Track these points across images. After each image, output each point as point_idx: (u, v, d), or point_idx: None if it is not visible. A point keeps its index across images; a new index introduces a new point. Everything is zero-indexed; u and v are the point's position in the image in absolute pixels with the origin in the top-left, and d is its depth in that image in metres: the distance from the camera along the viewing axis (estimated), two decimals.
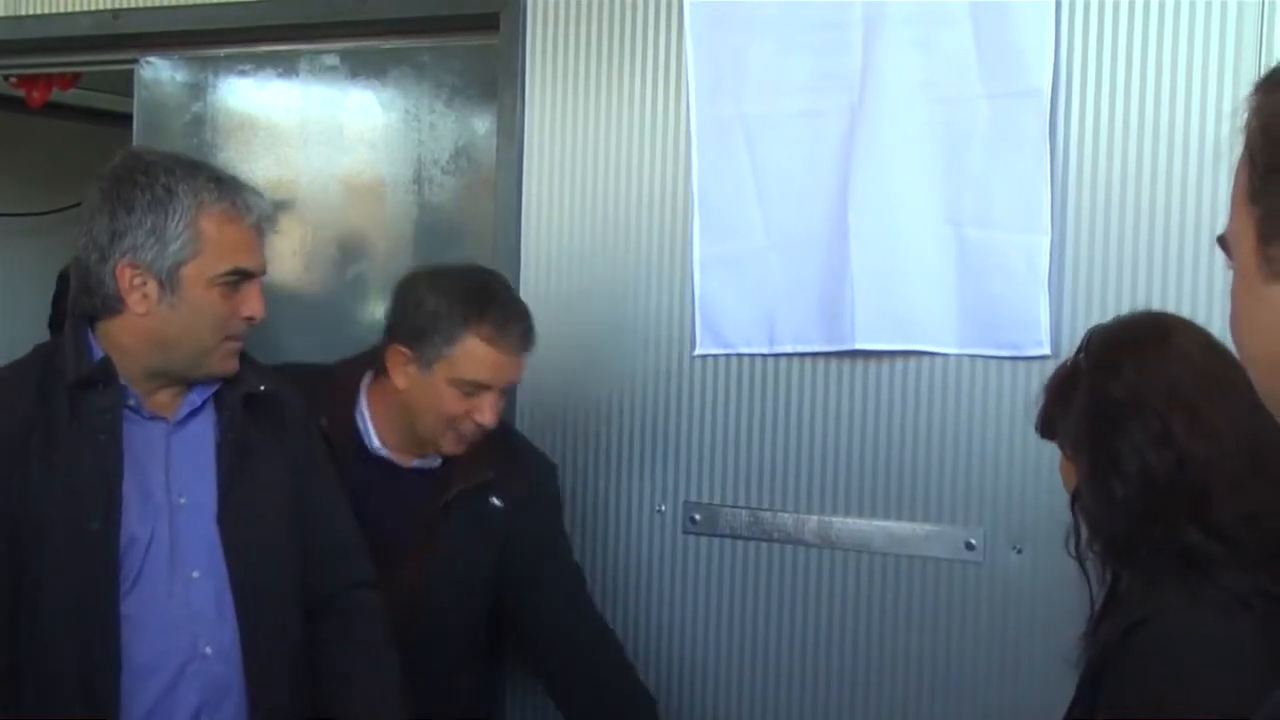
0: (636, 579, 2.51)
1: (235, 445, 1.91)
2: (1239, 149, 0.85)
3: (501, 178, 2.57)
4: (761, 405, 2.40)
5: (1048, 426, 1.63)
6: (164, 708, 1.83)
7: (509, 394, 2.49)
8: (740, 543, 2.42)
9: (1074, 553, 1.54)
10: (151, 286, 1.83)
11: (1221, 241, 0.87)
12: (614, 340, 2.49)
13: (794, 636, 2.38)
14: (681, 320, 2.44)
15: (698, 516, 2.46)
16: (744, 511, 2.42)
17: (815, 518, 2.38)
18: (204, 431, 1.92)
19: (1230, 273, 0.87)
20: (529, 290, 2.54)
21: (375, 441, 2.21)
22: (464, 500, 2.21)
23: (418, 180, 2.78)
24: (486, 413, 2.12)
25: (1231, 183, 0.87)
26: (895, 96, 2.28)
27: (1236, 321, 0.85)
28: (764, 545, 2.41)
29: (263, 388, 1.96)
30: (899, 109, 2.28)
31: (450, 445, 2.17)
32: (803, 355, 2.36)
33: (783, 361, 2.38)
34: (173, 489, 1.86)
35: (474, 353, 2.10)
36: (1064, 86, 2.18)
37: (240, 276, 1.87)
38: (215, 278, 1.84)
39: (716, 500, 2.44)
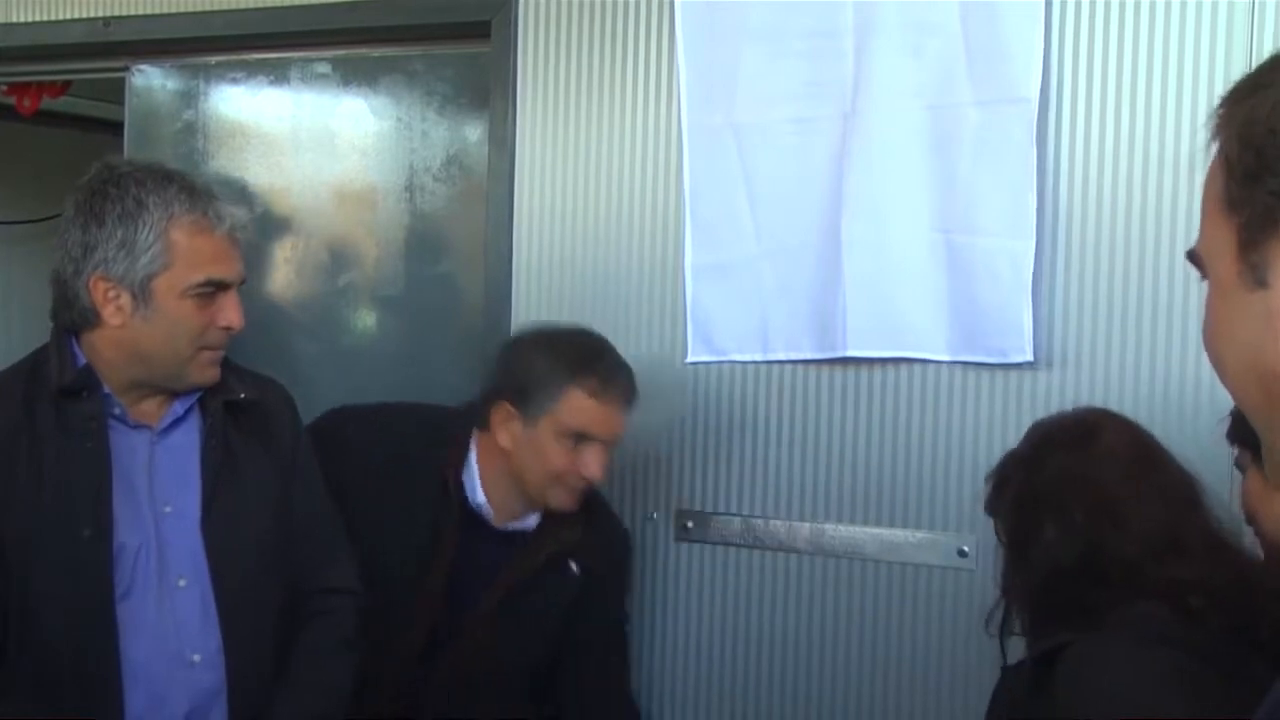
0: (635, 582, 2.49)
1: (219, 452, 1.91)
2: (1209, 160, 0.85)
3: (493, 186, 2.57)
4: (754, 412, 2.40)
5: (990, 511, 1.73)
6: (154, 717, 1.83)
7: None
8: (732, 550, 2.42)
9: (994, 632, 1.65)
10: (125, 299, 1.83)
11: (1192, 256, 0.86)
12: None
13: (787, 644, 2.38)
14: (673, 327, 2.43)
15: (690, 524, 2.45)
16: (736, 519, 2.41)
17: (808, 525, 2.38)
18: (188, 439, 1.92)
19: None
20: (520, 298, 2.54)
21: (481, 497, 2.20)
22: (548, 565, 2.21)
23: (409, 188, 2.77)
24: (593, 466, 2.12)
25: None
26: (886, 104, 2.28)
27: (1214, 335, 0.84)
28: (756, 552, 2.41)
29: (244, 395, 1.96)
30: (890, 116, 2.28)
31: (558, 500, 2.17)
32: (795, 362, 2.36)
33: (775, 369, 2.37)
34: (157, 497, 1.87)
35: (579, 405, 2.11)
36: (1053, 94, 2.18)
37: (214, 287, 1.86)
38: (188, 289, 1.84)
39: (709, 508, 2.44)
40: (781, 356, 2.37)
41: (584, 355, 2.14)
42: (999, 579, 1.66)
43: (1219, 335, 0.83)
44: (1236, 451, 1.70)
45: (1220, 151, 0.83)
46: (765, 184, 2.38)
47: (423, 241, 2.77)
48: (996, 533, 1.70)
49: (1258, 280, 0.79)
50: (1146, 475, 1.59)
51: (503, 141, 2.55)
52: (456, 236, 2.74)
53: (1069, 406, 1.92)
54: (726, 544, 2.42)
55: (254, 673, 1.89)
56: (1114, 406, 1.99)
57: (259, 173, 2.86)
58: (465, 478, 2.20)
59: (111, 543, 1.79)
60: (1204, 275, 0.85)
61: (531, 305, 2.55)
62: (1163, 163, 2.13)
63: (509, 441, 2.13)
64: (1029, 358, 2.17)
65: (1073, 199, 2.18)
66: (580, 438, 2.11)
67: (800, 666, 2.36)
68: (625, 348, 2.41)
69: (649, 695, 2.45)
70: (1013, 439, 1.85)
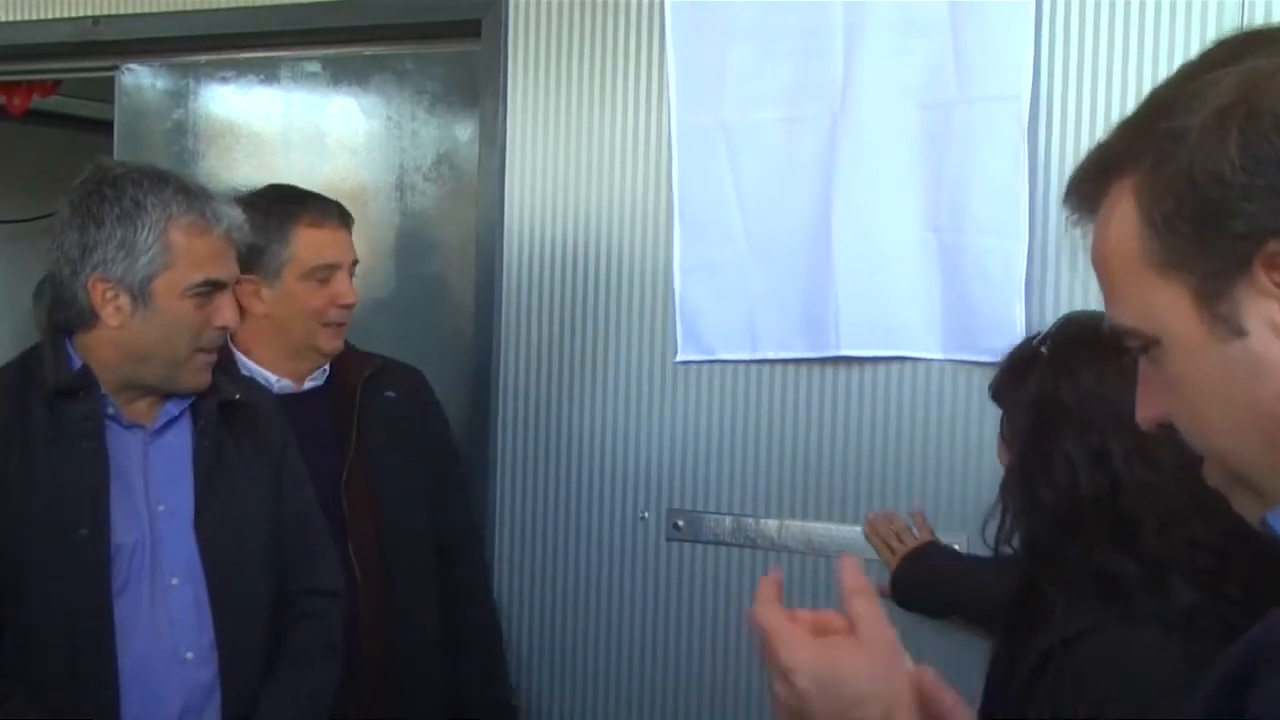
0: (619, 587, 2.49)
1: (211, 453, 1.91)
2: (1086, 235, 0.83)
3: (483, 185, 2.57)
4: (744, 412, 2.39)
5: (997, 395, 1.60)
6: (149, 714, 1.83)
7: (487, 397, 2.53)
8: (724, 549, 2.41)
9: (991, 542, 1.51)
10: (124, 299, 1.84)
11: (1131, 336, 0.83)
12: (596, 347, 2.49)
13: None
14: (663, 327, 2.43)
15: (681, 523, 2.45)
16: (727, 518, 2.40)
17: (799, 524, 2.37)
18: (181, 440, 1.92)
19: None
20: (510, 297, 2.54)
21: (272, 378, 2.24)
22: (366, 401, 2.28)
23: (399, 187, 2.77)
24: (347, 292, 2.24)
25: None
26: (876, 103, 2.28)
27: (1193, 397, 0.80)
28: (748, 552, 2.40)
29: (238, 396, 1.97)
30: (879, 115, 2.28)
31: (329, 342, 2.27)
32: (785, 361, 2.36)
33: (765, 368, 2.37)
34: (151, 497, 1.87)
35: (308, 240, 2.22)
36: (1043, 91, 2.18)
37: (212, 287, 1.87)
38: (188, 289, 1.85)
39: (700, 507, 2.43)
40: (771, 355, 2.37)
41: (291, 197, 2.26)
42: (1005, 489, 1.49)
43: (1199, 396, 0.80)
44: None
45: (1136, 215, 0.80)
46: (754, 183, 2.38)
47: (413, 240, 2.77)
48: (1001, 428, 1.56)
49: (1232, 330, 0.77)
50: None
51: (493, 140, 2.55)
52: (446, 235, 2.75)
53: None
54: (718, 543, 2.42)
55: (246, 670, 1.89)
56: None
57: (249, 172, 2.85)
58: (242, 369, 2.22)
59: (109, 542, 1.80)
60: (1138, 347, 0.82)
61: (521, 304, 2.54)
62: None
63: (264, 309, 2.22)
64: None
65: (1058, 199, 2.17)
66: (323, 271, 2.21)
67: None
68: (616, 347, 2.45)
69: (641, 695, 2.45)
70: None
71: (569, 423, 2.52)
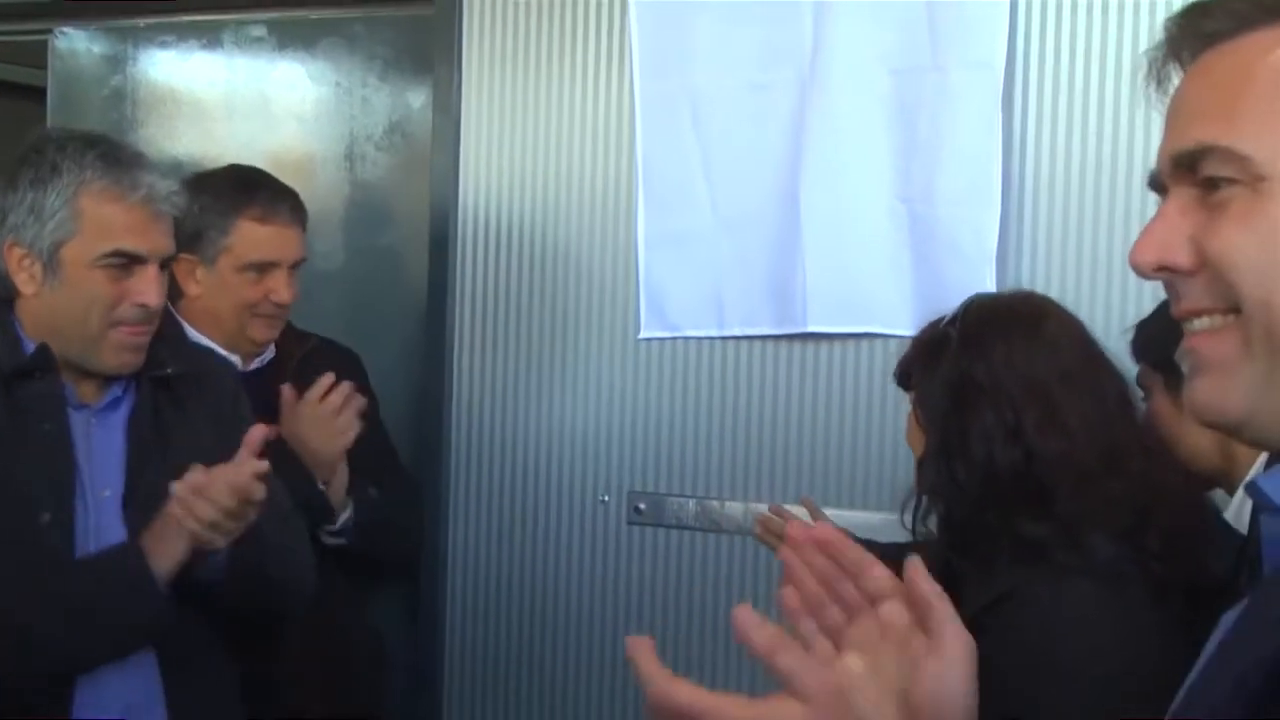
0: (579, 573, 2.44)
1: (145, 431, 1.83)
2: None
3: (437, 154, 2.51)
4: (709, 390, 2.34)
5: (905, 379, 1.63)
6: (98, 700, 1.76)
7: (442, 375, 2.48)
8: (688, 534, 2.36)
9: (908, 524, 1.54)
10: (36, 267, 1.77)
11: (1203, 155, 0.80)
12: (554, 324, 2.44)
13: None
14: (625, 302, 2.39)
15: (643, 506, 2.40)
16: (691, 501, 2.36)
17: (765, 507, 2.29)
18: (124, 419, 1.85)
19: None
20: (465, 271, 2.48)
21: (221, 350, 2.19)
22: (299, 384, 2.21)
23: (349, 157, 2.71)
24: (282, 291, 2.20)
25: None
26: (846, 69, 2.22)
27: (1277, 255, 0.77)
28: (712, 536, 2.35)
29: (170, 370, 1.88)
30: (850, 82, 2.22)
31: (259, 332, 2.24)
32: (752, 338, 2.31)
33: (731, 344, 2.32)
34: (96, 480, 1.79)
35: (250, 235, 2.18)
36: (1019, 59, 2.13)
37: (127, 259, 1.78)
38: (97, 259, 1.76)
39: (662, 489, 2.38)
40: (738, 332, 2.32)
41: (243, 185, 2.21)
42: (921, 470, 1.54)
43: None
44: (1139, 370, 1.64)
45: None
46: (720, 152, 2.32)
47: (363, 212, 2.71)
48: (914, 409, 1.59)
49: None
50: (1088, 374, 1.49)
51: (447, 108, 2.49)
52: (398, 206, 2.69)
53: None
54: (681, 527, 2.37)
55: (189, 653, 1.81)
56: None
57: (191, 141, 2.78)
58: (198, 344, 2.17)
59: (73, 528, 1.74)
60: (1223, 178, 0.79)
61: (476, 278, 2.49)
62: (1133, 131, 2.08)
63: (198, 289, 2.20)
64: None
65: (1039, 169, 2.12)
66: (261, 267, 2.18)
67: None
68: (576, 324, 2.40)
69: (601, 686, 2.40)
70: None
71: (526, 402, 2.47)
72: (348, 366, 2.32)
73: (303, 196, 2.33)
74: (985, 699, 0.82)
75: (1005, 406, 1.45)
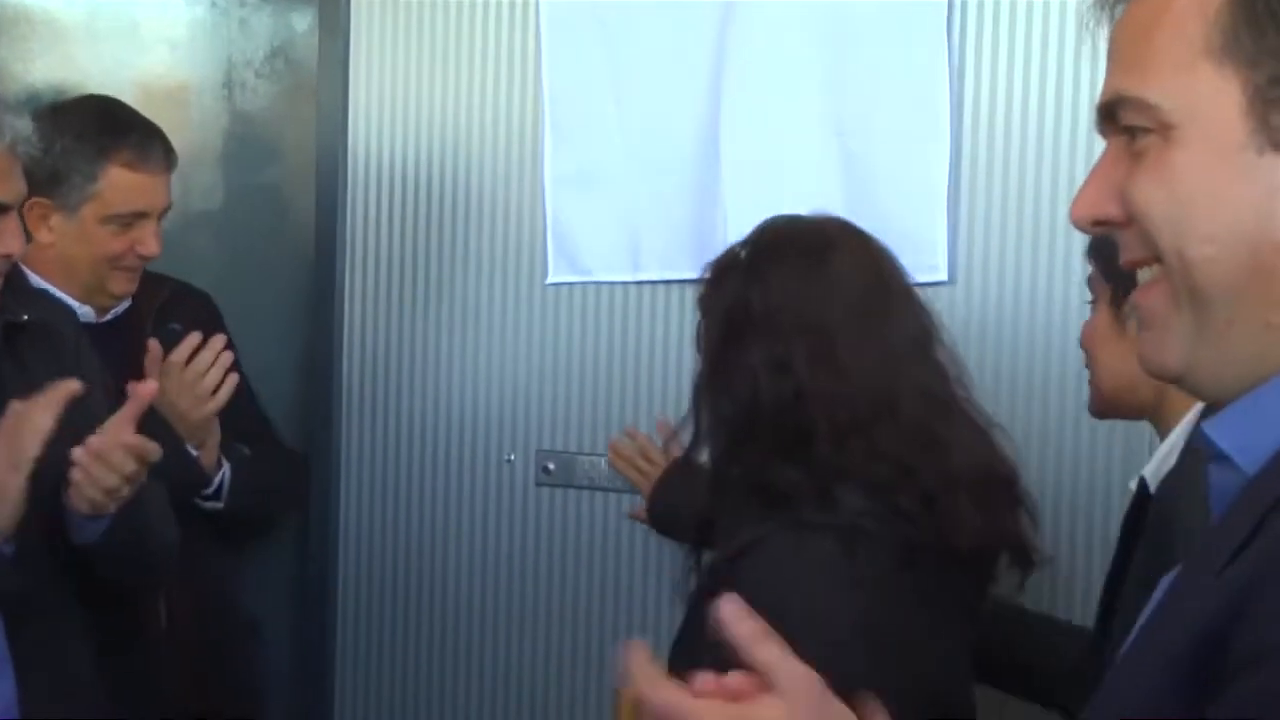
0: (483, 539, 2.33)
1: None
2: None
3: (324, 82, 2.40)
4: (623, 340, 2.25)
5: (701, 306, 1.58)
6: None
7: (330, 327, 2.40)
8: (600, 495, 2.28)
9: (684, 455, 1.55)
10: None
11: (1122, 106, 0.81)
12: (454, 269, 2.35)
13: (661, 596, 2.20)
14: (532, 245, 2.29)
15: (551, 466, 2.30)
16: (603, 460, 2.26)
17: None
18: None
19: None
20: (355, 211, 2.38)
21: (74, 304, 2.03)
22: (154, 335, 2.12)
23: (227, 85, 2.55)
24: (151, 243, 2.07)
25: None
26: None
27: (1193, 195, 0.78)
28: (626, 498, 2.25)
29: (26, 317, 1.76)
30: (778, 4, 2.10)
31: (119, 286, 2.10)
32: (670, 283, 2.21)
33: (647, 290, 2.23)
34: None
35: (120, 183, 2.03)
36: None
37: None
38: None
39: (573, 448, 2.28)
40: (655, 277, 2.23)
41: (111, 125, 2.06)
42: (693, 402, 1.51)
43: (1199, 196, 0.78)
44: (1090, 271, 1.58)
45: None
46: (634, 80, 2.23)
47: (243, 145, 2.57)
48: (697, 338, 1.55)
49: (1272, 143, 0.76)
50: (875, 313, 1.44)
51: (335, 30, 2.38)
52: (282, 139, 2.56)
53: (989, 330, 1.79)
54: (593, 488, 2.28)
55: (41, 616, 1.72)
56: (1039, 329, 1.85)
57: (48, 66, 2.57)
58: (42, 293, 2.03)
59: None
60: (1139, 128, 0.80)
61: (368, 219, 2.38)
62: (1096, 52, 1.91)
63: (51, 239, 2.04)
64: (944, 277, 2.02)
65: (982, 95, 2.01)
66: (129, 218, 2.05)
67: (676, 619, 2.14)
68: (478, 269, 2.33)
69: (509, 658, 2.30)
70: None
71: (423, 355, 2.37)
72: (206, 314, 2.21)
73: (176, 129, 2.20)
74: (721, 658, 0.81)
75: (777, 338, 1.42)
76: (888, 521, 1.37)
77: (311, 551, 2.41)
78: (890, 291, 1.47)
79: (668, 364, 2.21)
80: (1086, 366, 1.59)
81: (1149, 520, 1.39)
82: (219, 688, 2.15)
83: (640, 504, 2.15)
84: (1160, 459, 1.45)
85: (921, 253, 1.99)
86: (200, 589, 2.11)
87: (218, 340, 2.03)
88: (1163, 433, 1.50)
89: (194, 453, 2.04)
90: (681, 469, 2.03)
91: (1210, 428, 0.79)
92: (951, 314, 1.96)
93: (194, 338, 2.02)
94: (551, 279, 2.27)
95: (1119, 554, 1.45)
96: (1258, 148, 0.76)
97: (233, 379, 2.03)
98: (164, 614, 2.05)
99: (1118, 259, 1.55)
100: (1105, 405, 1.57)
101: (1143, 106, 0.79)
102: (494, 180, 2.31)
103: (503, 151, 2.31)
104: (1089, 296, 1.59)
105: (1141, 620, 0.83)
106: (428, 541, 2.35)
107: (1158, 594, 0.83)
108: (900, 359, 1.43)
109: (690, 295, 2.09)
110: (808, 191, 2.04)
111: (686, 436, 1.52)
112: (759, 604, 1.29)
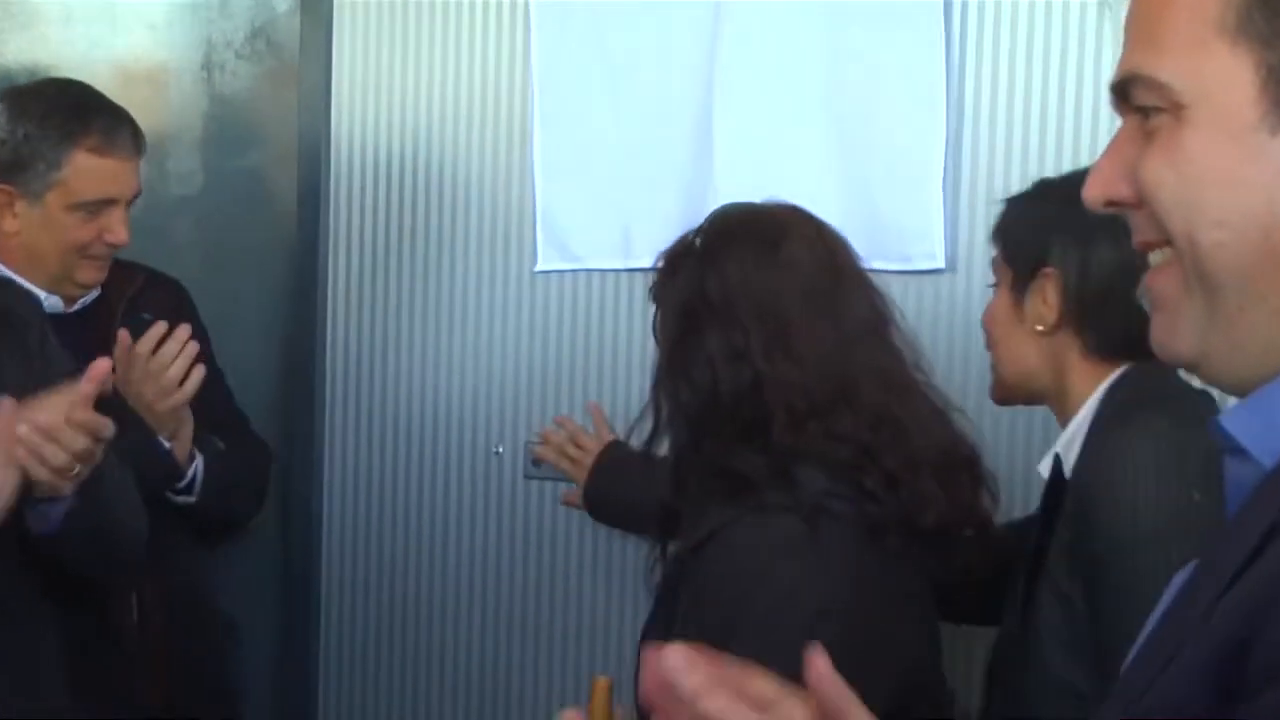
0: (471, 532, 2.29)
1: None
2: None
3: (306, 64, 2.38)
4: (614, 328, 2.20)
5: (656, 296, 1.58)
6: None
7: (313, 316, 2.36)
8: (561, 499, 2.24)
9: (644, 446, 1.53)
10: None
11: (1135, 84, 0.80)
12: (441, 256, 2.31)
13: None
14: (521, 232, 2.25)
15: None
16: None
17: None
18: None
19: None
20: (339, 197, 2.35)
21: (39, 294, 2.01)
22: (125, 326, 2.07)
23: (207, 66, 2.50)
24: (119, 230, 2.02)
25: None
26: None
27: (1202, 176, 0.77)
28: None
29: None
30: None
31: (86, 276, 2.05)
32: None
33: (639, 278, 2.15)
34: None
35: (86, 168, 1.98)
36: None
37: None
38: None
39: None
40: (647, 264, 2.10)
41: (77, 109, 2.01)
42: (652, 392, 1.51)
43: (1210, 178, 0.76)
44: (994, 253, 1.58)
45: None
46: (626, 64, 2.19)
47: (223, 128, 2.51)
48: (654, 330, 1.55)
49: None
50: (830, 298, 1.45)
51: (317, 11, 2.35)
52: (263, 123, 2.50)
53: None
54: None
55: (2, 619, 1.70)
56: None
57: (22, 47, 2.53)
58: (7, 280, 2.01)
59: None
60: (1151, 107, 0.79)
61: (352, 205, 2.35)
62: (1097, 43, 1.91)
63: (15, 224, 2.01)
64: (940, 264, 1.98)
65: (989, 87, 1.96)
66: (96, 205, 2.01)
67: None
68: (465, 256, 2.29)
69: (496, 655, 2.26)
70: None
71: (409, 345, 2.33)
72: (177, 303, 2.16)
73: (153, 112, 2.19)
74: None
75: (734, 327, 1.43)
76: (851, 501, 1.38)
77: (293, 549, 2.37)
78: (843, 275, 1.48)
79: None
80: (988, 349, 1.59)
81: (1068, 503, 1.41)
82: (192, 688, 2.10)
83: (573, 489, 2.13)
84: (1067, 440, 1.46)
85: (918, 240, 1.97)
86: (174, 586, 2.07)
87: (183, 330, 1.98)
88: (1063, 420, 1.50)
89: (166, 444, 2.00)
90: (614, 455, 2.05)
91: (1227, 420, 0.78)
92: (951, 302, 1.97)
93: (160, 326, 1.98)
94: (540, 266, 2.23)
95: (1040, 534, 1.45)
96: (1270, 129, 0.75)
97: (199, 370, 1.98)
98: (135, 611, 2.01)
99: (1020, 243, 1.52)
100: (1005, 391, 1.58)
101: (1154, 85, 0.78)
102: (481, 165, 2.27)
103: (490, 136, 2.27)
104: (992, 280, 1.59)
105: (1153, 620, 0.81)
106: (413, 537, 2.30)
107: (1170, 592, 0.82)
108: (855, 343, 1.44)
109: None
110: (802, 178, 2.03)
111: (646, 427, 1.52)
112: (725, 592, 1.36)
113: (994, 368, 1.58)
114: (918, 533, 1.39)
